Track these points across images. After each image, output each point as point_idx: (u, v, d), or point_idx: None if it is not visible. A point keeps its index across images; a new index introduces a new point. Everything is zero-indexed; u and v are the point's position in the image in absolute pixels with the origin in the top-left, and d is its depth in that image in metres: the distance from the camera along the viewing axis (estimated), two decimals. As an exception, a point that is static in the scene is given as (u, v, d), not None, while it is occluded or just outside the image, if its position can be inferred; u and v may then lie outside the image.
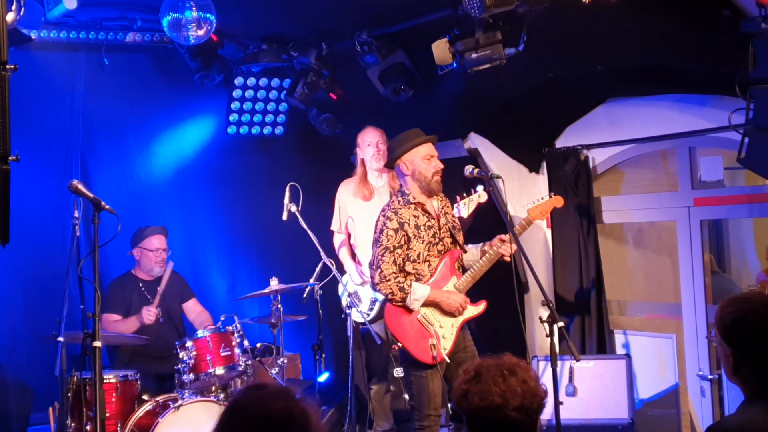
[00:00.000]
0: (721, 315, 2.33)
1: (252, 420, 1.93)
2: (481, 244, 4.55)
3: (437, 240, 4.42)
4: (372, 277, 4.42)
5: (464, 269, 4.51)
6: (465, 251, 4.55)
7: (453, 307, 4.33)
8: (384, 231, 4.36)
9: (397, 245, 4.33)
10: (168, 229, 5.59)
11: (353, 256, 5.63)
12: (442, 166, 4.43)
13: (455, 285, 4.39)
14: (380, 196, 5.46)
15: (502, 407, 2.15)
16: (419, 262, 4.37)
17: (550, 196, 4.70)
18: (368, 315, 5.38)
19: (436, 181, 4.40)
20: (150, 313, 5.22)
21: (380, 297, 5.37)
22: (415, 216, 4.39)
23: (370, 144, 5.44)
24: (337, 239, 5.68)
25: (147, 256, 5.44)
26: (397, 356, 5.61)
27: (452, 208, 4.74)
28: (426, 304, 4.32)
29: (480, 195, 5.18)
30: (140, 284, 5.48)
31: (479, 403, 2.17)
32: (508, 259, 4.38)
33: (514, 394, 2.16)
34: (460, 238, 4.59)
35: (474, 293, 4.48)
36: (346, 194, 5.62)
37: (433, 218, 4.44)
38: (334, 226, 5.69)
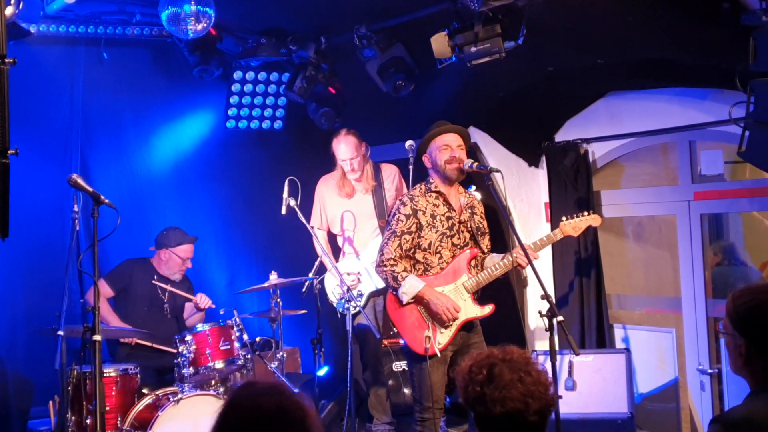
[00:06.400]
0: (734, 306, 2.30)
1: (247, 418, 1.91)
2: (503, 255, 4.37)
3: (453, 233, 4.36)
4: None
5: (482, 269, 4.41)
6: (484, 252, 4.46)
7: (440, 310, 4.19)
8: (395, 216, 4.35)
9: (405, 230, 4.30)
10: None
11: (334, 252, 5.58)
12: (457, 155, 4.31)
13: (464, 283, 4.31)
14: (360, 193, 5.51)
15: (524, 413, 2.12)
16: (429, 252, 4.32)
17: (589, 213, 4.52)
18: (355, 308, 5.36)
19: (450, 169, 4.31)
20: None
21: (365, 291, 5.35)
22: (434, 205, 4.36)
23: (344, 161, 5.40)
24: (319, 235, 5.47)
25: (174, 260, 5.48)
26: (393, 350, 5.61)
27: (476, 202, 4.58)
28: (417, 300, 4.26)
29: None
30: (155, 276, 5.50)
31: (500, 411, 2.13)
32: (523, 266, 4.24)
33: (533, 398, 2.13)
34: (484, 241, 4.50)
35: (475, 288, 4.45)
36: (326, 191, 5.59)
37: (454, 210, 4.39)
38: (314, 222, 5.55)
